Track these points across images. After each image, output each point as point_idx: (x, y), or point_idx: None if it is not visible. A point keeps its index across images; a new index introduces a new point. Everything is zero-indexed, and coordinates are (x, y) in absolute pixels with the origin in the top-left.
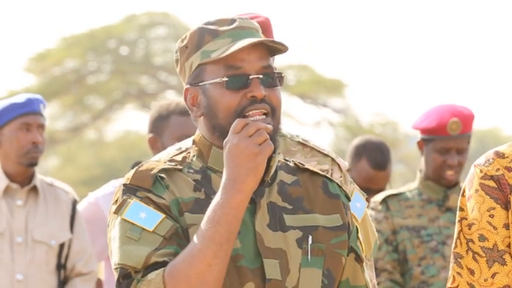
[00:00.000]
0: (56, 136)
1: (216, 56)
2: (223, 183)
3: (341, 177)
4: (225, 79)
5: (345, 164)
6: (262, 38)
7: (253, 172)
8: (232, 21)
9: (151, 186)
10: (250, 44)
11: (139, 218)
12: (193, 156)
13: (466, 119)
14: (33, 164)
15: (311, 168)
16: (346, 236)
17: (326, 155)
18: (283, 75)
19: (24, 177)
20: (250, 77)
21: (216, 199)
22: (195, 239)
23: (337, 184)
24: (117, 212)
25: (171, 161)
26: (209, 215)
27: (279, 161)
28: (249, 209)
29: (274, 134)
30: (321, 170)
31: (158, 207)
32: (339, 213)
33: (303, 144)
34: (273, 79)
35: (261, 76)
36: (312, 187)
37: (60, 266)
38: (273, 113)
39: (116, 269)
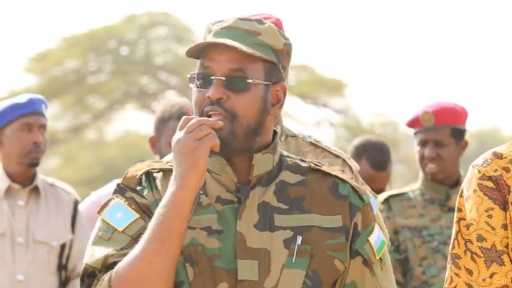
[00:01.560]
0: (57, 136)
1: (186, 52)
2: (170, 182)
3: (352, 178)
4: (188, 76)
5: (356, 165)
6: (250, 40)
7: (193, 167)
8: (231, 20)
9: (136, 186)
10: (205, 44)
11: (114, 218)
12: None
13: (441, 111)
14: (34, 164)
15: (324, 169)
16: (343, 238)
17: (337, 156)
18: (250, 81)
19: (25, 178)
20: (211, 77)
21: (163, 198)
22: (142, 237)
23: (351, 185)
24: (100, 212)
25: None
26: (155, 214)
27: (289, 160)
28: (234, 208)
29: (231, 138)
30: None
31: (138, 207)
32: (341, 215)
33: (315, 145)
34: (239, 83)
35: (222, 78)
36: (318, 187)
37: (61, 267)
38: (232, 117)
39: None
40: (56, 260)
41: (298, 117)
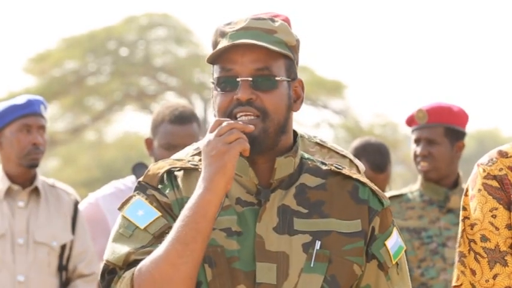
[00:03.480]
0: (56, 137)
1: (208, 58)
2: (198, 183)
3: None
4: (212, 81)
5: (362, 165)
6: (269, 39)
7: (221, 171)
8: (245, 21)
9: (158, 184)
10: (234, 45)
11: (136, 216)
12: None
13: (435, 109)
14: (34, 165)
15: (345, 172)
16: (362, 243)
17: (344, 156)
18: (278, 78)
19: (25, 179)
20: (238, 79)
21: (190, 199)
22: (166, 238)
23: (371, 189)
24: (121, 208)
25: (193, 160)
26: (180, 215)
27: (310, 163)
28: (254, 211)
29: (263, 136)
30: None
31: (160, 205)
32: (360, 219)
33: (321, 145)
34: (267, 82)
35: (249, 79)
36: (338, 191)
37: (62, 268)
38: (264, 116)
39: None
40: (56, 261)
41: (297, 118)
